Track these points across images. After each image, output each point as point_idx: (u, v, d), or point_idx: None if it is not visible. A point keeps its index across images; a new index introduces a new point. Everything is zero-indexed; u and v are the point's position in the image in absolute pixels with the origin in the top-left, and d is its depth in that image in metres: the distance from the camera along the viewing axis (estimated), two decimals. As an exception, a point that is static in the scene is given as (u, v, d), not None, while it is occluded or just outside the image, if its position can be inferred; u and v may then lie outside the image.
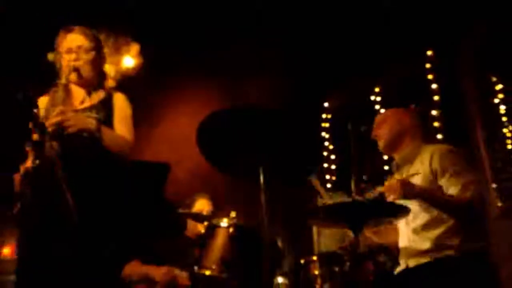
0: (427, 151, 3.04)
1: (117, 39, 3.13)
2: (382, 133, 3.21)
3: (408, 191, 2.76)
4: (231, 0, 4.88)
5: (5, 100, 2.59)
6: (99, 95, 2.86)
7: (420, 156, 3.07)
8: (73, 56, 2.79)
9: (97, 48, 2.89)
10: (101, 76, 2.93)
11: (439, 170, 2.90)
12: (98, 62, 2.89)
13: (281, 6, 4.88)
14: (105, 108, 2.80)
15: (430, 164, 2.94)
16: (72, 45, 2.81)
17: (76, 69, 2.77)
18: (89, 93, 2.85)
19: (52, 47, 2.91)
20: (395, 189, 2.76)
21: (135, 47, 3.20)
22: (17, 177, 2.57)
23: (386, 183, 2.84)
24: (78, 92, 2.86)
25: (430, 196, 2.83)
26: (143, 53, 3.17)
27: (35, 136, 2.41)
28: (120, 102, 2.88)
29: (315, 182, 3.57)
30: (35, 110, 2.46)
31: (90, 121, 2.66)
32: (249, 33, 5.03)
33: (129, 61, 3.21)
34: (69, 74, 2.75)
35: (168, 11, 4.93)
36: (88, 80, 2.85)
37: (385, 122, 3.24)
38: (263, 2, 4.87)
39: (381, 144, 3.22)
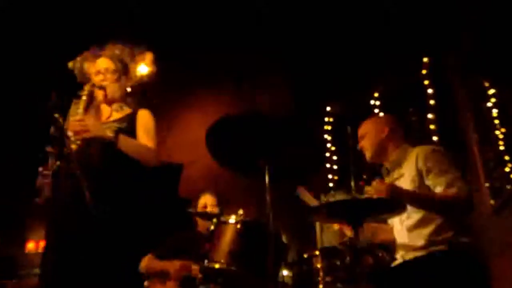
0: (413, 153, 3.10)
1: (132, 49, 3.29)
2: (366, 145, 3.26)
3: (394, 194, 2.82)
4: (241, 14, 5.02)
5: (29, 105, 2.75)
6: (125, 111, 3.05)
7: (407, 159, 3.13)
8: (100, 77, 3.01)
9: (123, 70, 3.10)
10: (127, 95, 3.13)
11: (424, 170, 2.97)
12: (123, 82, 3.10)
13: (287, 19, 5.01)
14: (129, 121, 2.99)
15: (416, 165, 3.01)
16: (100, 68, 3.03)
17: (103, 88, 2.98)
18: (115, 110, 3.04)
19: (71, 55, 3.11)
20: (381, 192, 2.82)
21: (149, 56, 3.29)
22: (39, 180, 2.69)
23: (374, 184, 2.89)
24: (105, 110, 3.06)
25: (416, 198, 2.90)
26: (159, 61, 3.30)
27: (56, 139, 2.59)
28: (144, 116, 3.06)
29: (303, 193, 3.68)
30: (56, 115, 2.63)
31: (107, 130, 2.83)
32: (258, 43, 5.16)
33: (143, 68, 3.32)
34: (95, 91, 2.96)
35: (181, 19, 5.07)
36: (114, 98, 3.05)
37: (366, 134, 3.28)
38: (269, 16, 5.01)
39: (367, 155, 3.27)
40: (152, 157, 2.95)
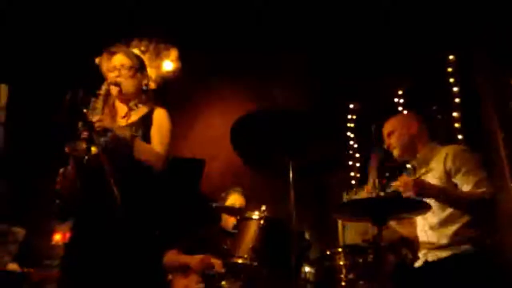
0: (442, 152, 3.09)
1: (157, 45, 3.30)
2: (394, 143, 3.23)
3: (423, 190, 2.83)
4: (261, 10, 5.03)
5: (56, 101, 2.77)
6: (141, 112, 2.98)
7: (436, 157, 3.12)
8: (115, 73, 2.93)
9: (139, 66, 3.01)
10: (143, 92, 3.04)
11: (453, 169, 2.97)
12: (139, 79, 3.00)
13: (308, 14, 5.02)
14: (144, 124, 2.91)
15: (445, 164, 3.00)
16: (116, 64, 2.96)
17: (117, 84, 2.90)
18: (131, 109, 2.98)
19: (98, 52, 3.07)
20: (409, 187, 2.82)
21: (174, 52, 3.27)
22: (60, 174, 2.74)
23: (401, 178, 2.90)
24: (121, 108, 2.99)
25: (444, 194, 2.89)
26: (182, 58, 3.30)
27: (85, 134, 2.57)
28: (160, 117, 2.97)
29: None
30: (84, 110, 2.63)
31: (127, 130, 2.78)
32: (279, 40, 5.16)
33: (168, 65, 3.31)
34: (110, 88, 2.89)
35: (202, 17, 5.09)
36: (129, 95, 2.97)
37: (394, 131, 3.25)
38: (290, 13, 5.02)
39: (395, 153, 3.23)
40: (159, 164, 2.85)
